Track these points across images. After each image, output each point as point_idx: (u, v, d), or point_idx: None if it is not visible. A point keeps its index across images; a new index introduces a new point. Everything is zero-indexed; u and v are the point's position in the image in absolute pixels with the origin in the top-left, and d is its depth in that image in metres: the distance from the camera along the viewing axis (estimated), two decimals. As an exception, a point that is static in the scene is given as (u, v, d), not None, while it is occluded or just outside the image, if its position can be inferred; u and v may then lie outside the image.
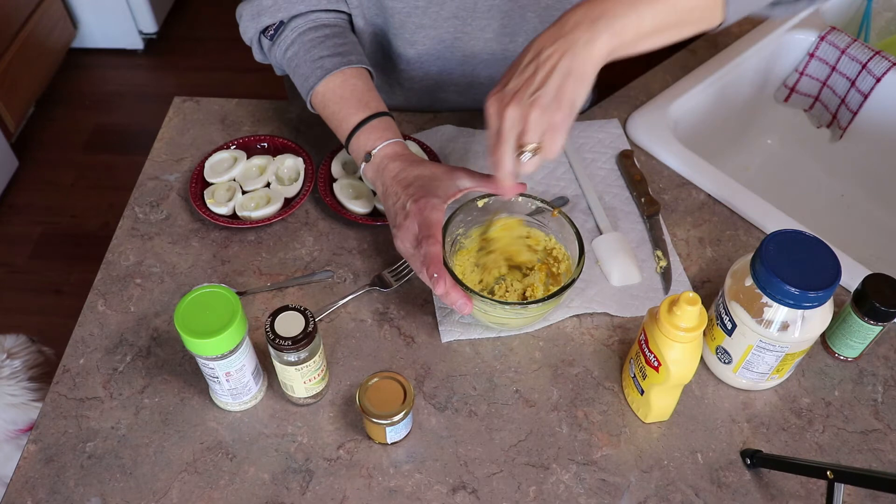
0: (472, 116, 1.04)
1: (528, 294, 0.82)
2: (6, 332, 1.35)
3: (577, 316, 0.84)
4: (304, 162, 0.96)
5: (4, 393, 1.25)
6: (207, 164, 0.96)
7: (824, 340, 0.81)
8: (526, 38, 0.96)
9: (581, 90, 0.66)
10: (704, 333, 0.76)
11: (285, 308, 0.70)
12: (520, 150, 0.69)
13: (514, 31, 0.95)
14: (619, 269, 0.86)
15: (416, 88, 1.02)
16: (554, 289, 0.79)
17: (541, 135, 0.67)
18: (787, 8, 0.76)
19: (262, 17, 0.87)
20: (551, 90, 0.65)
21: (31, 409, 1.26)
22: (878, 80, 1.06)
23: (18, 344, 1.33)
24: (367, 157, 0.82)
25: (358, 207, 0.91)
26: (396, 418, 0.70)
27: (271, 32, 0.88)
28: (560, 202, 0.94)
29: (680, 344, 0.67)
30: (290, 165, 0.96)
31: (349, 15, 0.93)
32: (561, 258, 0.82)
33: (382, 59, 1.00)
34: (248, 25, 0.89)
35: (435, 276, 0.72)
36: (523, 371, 0.80)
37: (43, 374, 1.31)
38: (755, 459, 0.72)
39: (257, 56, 0.93)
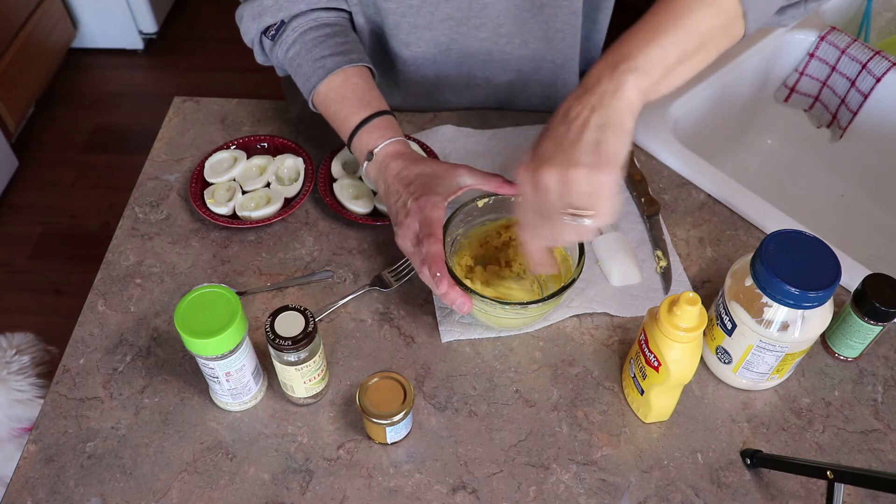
0: (472, 116, 1.05)
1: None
2: (6, 333, 1.35)
3: (577, 316, 0.84)
4: (304, 162, 0.96)
5: (12, 388, 1.26)
6: (207, 164, 0.96)
7: (824, 340, 0.81)
8: (522, 39, 0.96)
9: (621, 143, 0.62)
10: (704, 333, 0.76)
11: (285, 308, 0.70)
12: (573, 215, 0.63)
13: (510, 32, 0.95)
14: (619, 269, 0.86)
15: (413, 89, 1.02)
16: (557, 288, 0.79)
17: (588, 198, 0.61)
18: (796, 11, 0.75)
19: (263, 17, 0.87)
20: (587, 146, 0.60)
21: (36, 406, 1.26)
22: (878, 80, 1.06)
23: (27, 341, 1.34)
24: (370, 156, 0.82)
25: (358, 207, 0.91)
26: (396, 418, 0.70)
27: (272, 32, 0.88)
28: (560, 202, 0.94)
29: (680, 344, 0.67)
30: (290, 165, 0.96)
31: (350, 13, 0.93)
32: (556, 255, 0.82)
33: (381, 58, 1.00)
34: (250, 26, 0.88)
35: (437, 275, 0.72)
36: (523, 371, 0.80)
37: (49, 372, 1.31)
38: (755, 459, 0.72)
39: (259, 58, 0.93)
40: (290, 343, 0.68)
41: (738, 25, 0.66)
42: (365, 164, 0.83)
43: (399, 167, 0.80)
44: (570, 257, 0.80)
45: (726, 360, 0.76)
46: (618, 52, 0.63)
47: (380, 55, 1.00)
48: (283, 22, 0.87)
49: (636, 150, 1.01)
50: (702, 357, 0.77)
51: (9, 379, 1.26)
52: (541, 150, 0.64)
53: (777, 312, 0.70)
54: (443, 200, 0.76)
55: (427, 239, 0.73)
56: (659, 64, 0.63)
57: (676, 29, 0.63)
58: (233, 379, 0.72)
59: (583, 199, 0.62)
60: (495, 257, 0.84)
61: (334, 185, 0.93)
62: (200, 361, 0.71)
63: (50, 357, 1.34)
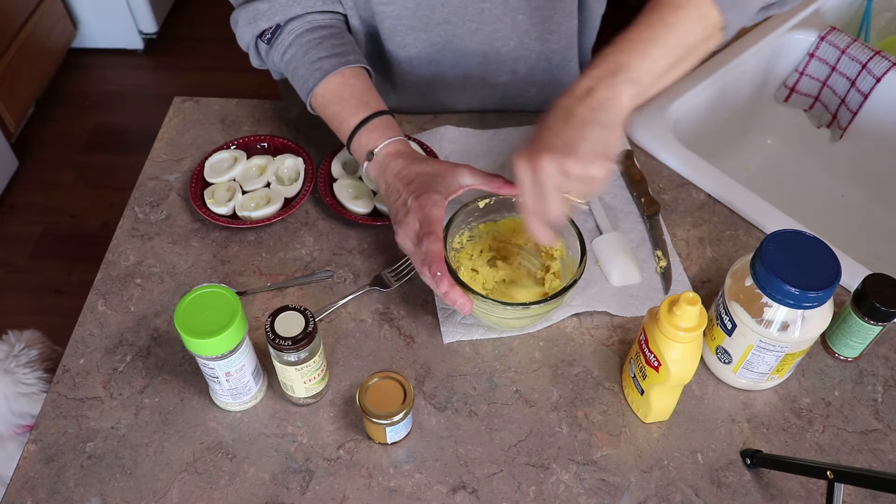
0: (472, 117, 1.05)
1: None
2: (15, 330, 1.36)
3: (577, 316, 0.84)
4: (304, 162, 0.96)
5: (19, 381, 1.26)
6: (207, 164, 0.96)
7: (824, 340, 0.81)
8: (517, 40, 0.96)
9: (615, 140, 0.68)
10: (704, 333, 0.76)
11: (285, 308, 0.70)
12: (569, 201, 0.69)
13: (505, 34, 0.95)
14: (619, 269, 0.86)
15: (409, 90, 1.02)
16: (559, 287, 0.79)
17: (580, 184, 0.67)
18: (764, 13, 0.77)
19: (259, 21, 0.87)
20: (588, 140, 0.66)
21: (41, 402, 1.26)
22: (878, 80, 1.06)
23: (35, 338, 1.34)
24: (370, 156, 0.82)
25: (358, 207, 0.91)
26: (396, 418, 0.70)
27: (268, 36, 0.88)
28: (560, 202, 0.94)
29: (680, 344, 0.67)
30: (290, 165, 0.96)
31: (345, 15, 0.93)
32: (556, 256, 0.82)
33: (377, 60, 1.00)
34: (245, 31, 0.88)
35: (438, 274, 0.72)
36: (523, 371, 0.80)
37: (55, 369, 1.31)
38: (755, 459, 0.72)
39: (254, 61, 0.93)
40: (290, 343, 0.68)
41: (717, 37, 0.71)
42: (365, 165, 0.83)
43: (400, 166, 0.80)
44: (572, 258, 0.80)
45: (726, 360, 0.76)
46: (614, 60, 0.68)
47: (376, 56, 1.00)
48: (278, 25, 0.87)
49: (636, 150, 1.01)
50: (702, 357, 0.77)
51: (16, 371, 1.26)
52: (541, 140, 0.67)
53: (777, 312, 0.70)
54: (443, 199, 0.76)
55: (427, 238, 0.73)
56: (650, 74, 0.68)
57: (667, 42, 0.68)
58: (233, 379, 0.72)
59: (576, 185, 0.67)
60: (502, 256, 0.85)
61: (334, 185, 0.93)
62: (200, 361, 0.71)
63: (56, 355, 1.35)
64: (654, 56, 0.67)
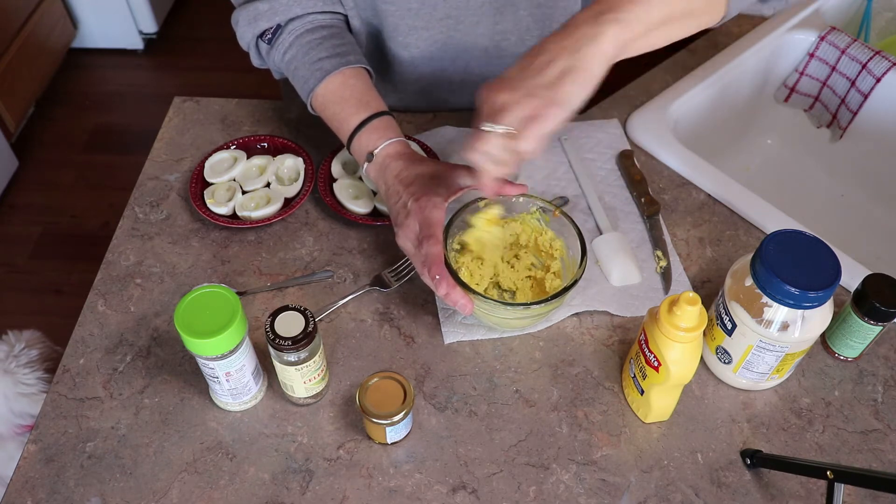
0: (472, 117, 1.04)
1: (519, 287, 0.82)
2: (15, 330, 1.36)
3: (577, 316, 0.84)
4: (304, 162, 0.96)
5: (19, 381, 1.26)
6: (207, 164, 0.96)
7: (824, 340, 0.81)
8: (518, 35, 0.96)
9: (582, 87, 0.63)
10: (704, 333, 0.76)
11: (285, 308, 0.70)
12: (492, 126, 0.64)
13: (505, 28, 0.95)
14: (619, 269, 0.86)
15: (410, 88, 1.02)
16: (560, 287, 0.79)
17: (521, 120, 0.63)
18: (777, 3, 0.75)
19: (259, 21, 0.87)
20: (547, 80, 0.62)
21: (41, 402, 1.26)
22: (878, 80, 1.06)
23: (35, 338, 1.34)
24: (370, 156, 0.82)
25: (358, 207, 0.91)
26: (396, 418, 0.70)
27: (269, 36, 0.88)
28: (560, 202, 0.94)
29: (680, 344, 0.67)
30: (290, 165, 0.96)
31: (346, 16, 0.93)
32: (556, 256, 0.82)
33: (378, 60, 1.00)
34: (245, 31, 0.88)
35: (437, 277, 0.72)
36: (523, 371, 0.80)
37: (56, 369, 1.31)
38: (755, 459, 0.72)
39: (255, 61, 0.93)
40: (290, 343, 0.68)
41: (720, 4, 0.67)
42: (365, 165, 0.83)
43: (399, 167, 0.80)
44: (572, 258, 0.80)
45: (726, 360, 0.76)
46: (605, 1, 0.64)
47: (377, 57, 1.00)
48: (279, 26, 0.87)
49: (636, 150, 1.01)
50: (702, 357, 0.77)
51: (17, 371, 1.26)
52: (505, 74, 0.65)
53: (777, 312, 0.70)
54: (443, 201, 0.76)
55: (427, 240, 0.73)
56: (642, 21, 0.64)
57: None
58: (233, 379, 0.72)
59: (516, 119, 0.63)
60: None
61: (334, 185, 0.93)
62: (200, 361, 0.71)
63: (57, 355, 1.35)
64: (651, 2, 0.63)
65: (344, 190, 0.93)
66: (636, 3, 0.63)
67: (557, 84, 0.62)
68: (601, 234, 0.91)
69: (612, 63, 0.64)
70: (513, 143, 0.64)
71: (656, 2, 0.64)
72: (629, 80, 1.09)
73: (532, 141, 0.63)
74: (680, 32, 0.67)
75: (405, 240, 0.76)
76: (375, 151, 0.81)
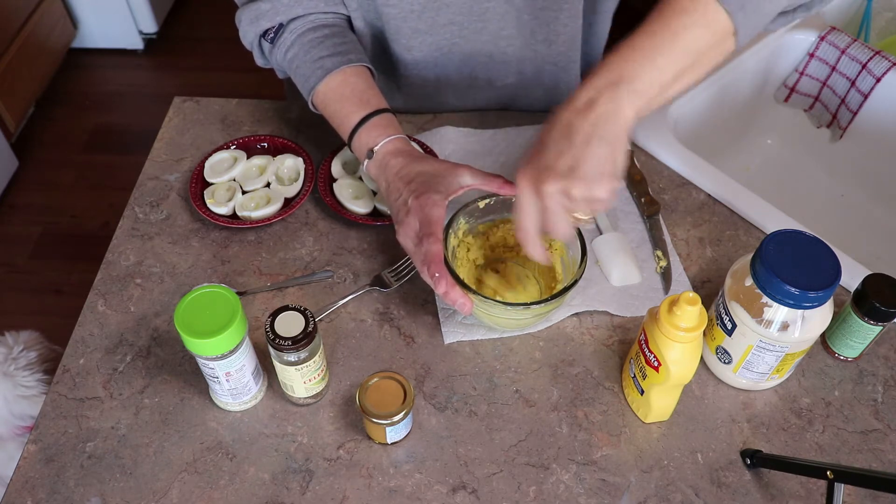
0: (472, 117, 1.05)
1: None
2: (13, 331, 1.36)
3: (577, 316, 0.84)
4: (304, 162, 0.96)
5: (18, 384, 1.25)
6: (207, 164, 0.96)
7: (824, 340, 0.81)
8: (522, 40, 0.96)
9: (619, 155, 0.66)
10: (704, 333, 0.76)
11: (285, 308, 0.70)
12: (575, 220, 0.69)
13: (511, 34, 0.95)
14: (619, 269, 0.86)
15: (414, 92, 1.02)
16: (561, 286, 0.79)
17: (586, 205, 0.66)
18: (785, 19, 0.75)
19: (261, 21, 0.87)
20: (592, 160, 0.64)
21: (41, 404, 1.26)
22: (878, 80, 1.06)
23: (33, 339, 1.34)
24: (370, 154, 0.82)
25: (358, 207, 0.91)
26: (396, 418, 0.70)
27: (271, 35, 0.88)
28: (560, 202, 0.94)
29: (680, 344, 0.67)
30: (290, 165, 0.96)
31: (348, 17, 0.93)
32: (556, 255, 0.82)
33: (383, 61, 1.00)
34: (248, 30, 0.88)
35: (436, 275, 0.72)
36: (523, 371, 0.80)
37: (55, 370, 1.31)
38: (755, 459, 0.72)
39: (258, 60, 0.93)
40: (290, 343, 0.68)
41: (729, 42, 0.68)
42: (365, 163, 0.83)
43: (400, 165, 0.80)
44: (572, 258, 0.80)
45: (726, 360, 0.76)
46: (617, 70, 0.65)
47: (381, 58, 1.00)
48: (281, 25, 0.87)
49: (636, 150, 1.01)
50: (702, 357, 0.77)
51: (15, 374, 1.26)
52: (543, 159, 0.66)
53: (777, 312, 0.70)
54: (443, 199, 0.76)
55: (427, 238, 0.73)
56: (655, 84, 0.65)
57: (673, 50, 0.65)
58: (233, 379, 0.72)
59: (581, 206, 0.66)
60: (496, 266, 0.85)
61: (334, 185, 0.93)
62: (200, 361, 0.71)
63: (56, 355, 1.34)
64: (660, 65, 0.65)
65: (344, 190, 0.93)
66: (648, 68, 0.65)
67: (602, 161, 0.64)
68: (601, 234, 0.91)
69: (633, 127, 0.67)
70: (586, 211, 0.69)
71: (666, 64, 0.65)
72: (629, 80, 1.09)
73: (604, 206, 0.67)
74: (693, 80, 0.69)
75: (405, 237, 0.76)
76: (376, 148, 0.81)
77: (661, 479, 0.72)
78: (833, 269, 0.68)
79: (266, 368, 0.78)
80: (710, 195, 0.96)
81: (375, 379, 0.72)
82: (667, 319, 0.67)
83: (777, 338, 0.71)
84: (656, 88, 0.65)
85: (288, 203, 0.93)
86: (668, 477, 0.72)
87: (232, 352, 0.69)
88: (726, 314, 0.73)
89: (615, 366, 0.80)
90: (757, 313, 0.71)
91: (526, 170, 0.67)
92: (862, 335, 0.77)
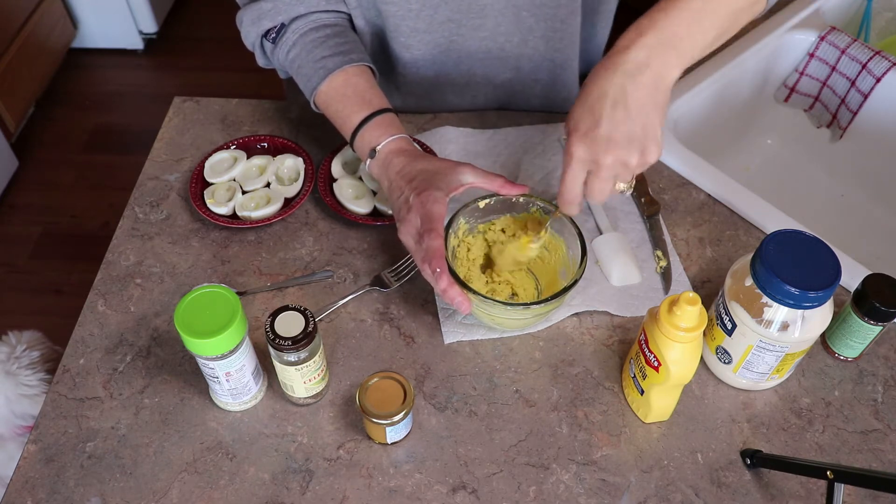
0: (472, 116, 1.05)
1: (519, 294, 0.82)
2: (15, 331, 1.36)
3: (577, 316, 0.84)
4: (304, 162, 0.96)
5: (21, 383, 1.26)
6: (207, 164, 0.96)
7: (824, 340, 0.81)
8: (521, 37, 0.96)
9: (664, 119, 0.67)
10: (704, 333, 0.76)
11: (285, 308, 0.70)
12: (617, 188, 0.71)
13: (508, 31, 0.95)
14: (619, 269, 0.86)
15: (413, 90, 1.02)
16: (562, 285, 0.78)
17: (640, 171, 0.69)
18: None
19: (263, 21, 0.87)
20: (648, 130, 0.66)
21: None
22: (878, 80, 1.06)
23: (36, 339, 1.34)
24: (372, 153, 0.82)
25: (358, 207, 0.91)
26: (396, 418, 0.70)
27: (273, 35, 0.88)
28: (560, 202, 0.94)
29: (680, 344, 0.67)
30: (290, 165, 0.96)
31: (349, 15, 0.93)
32: (556, 255, 0.82)
33: (382, 60, 1.00)
34: (250, 30, 0.89)
35: (437, 270, 0.72)
36: (523, 371, 0.80)
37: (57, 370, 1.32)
38: (755, 459, 0.72)
39: (260, 61, 0.93)
40: (290, 343, 0.68)
41: (760, 4, 0.69)
42: (368, 162, 0.83)
43: (402, 163, 0.80)
44: (572, 258, 0.80)
45: (726, 360, 0.76)
46: (668, 29, 0.65)
47: (381, 57, 1.00)
48: (282, 25, 0.87)
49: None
50: (702, 357, 0.77)
51: (18, 373, 1.26)
52: (601, 130, 0.66)
53: (777, 312, 0.70)
54: (444, 196, 0.76)
55: (427, 234, 0.73)
56: (698, 47, 0.66)
57: (717, 11, 0.65)
58: (233, 379, 0.72)
59: (636, 172, 0.69)
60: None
61: (334, 185, 0.93)
62: (200, 361, 0.71)
63: (57, 355, 1.34)
64: (706, 27, 0.65)
65: (344, 190, 0.93)
66: (696, 30, 0.65)
67: (650, 132, 0.66)
68: (601, 233, 0.91)
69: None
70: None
71: (711, 27, 0.65)
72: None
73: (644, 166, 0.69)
74: (726, 39, 0.69)
75: (407, 235, 0.76)
76: (378, 148, 0.81)
77: (661, 479, 0.72)
78: (833, 269, 0.68)
79: (266, 368, 0.78)
80: (710, 195, 0.96)
81: (375, 379, 0.72)
82: (667, 319, 0.67)
83: (777, 338, 0.71)
84: (698, 51, 0.66)
85: (288, 203, 0.93)
86: (668, 477, 0.72)
87: (232, 352, 0.69)
88: (726, 314, 0.73)
89: (615, 366, 0.80)
90: (757, 313, 0.71)
91: (584, 140, 0.67)
92: (862, 335, 0.77)
